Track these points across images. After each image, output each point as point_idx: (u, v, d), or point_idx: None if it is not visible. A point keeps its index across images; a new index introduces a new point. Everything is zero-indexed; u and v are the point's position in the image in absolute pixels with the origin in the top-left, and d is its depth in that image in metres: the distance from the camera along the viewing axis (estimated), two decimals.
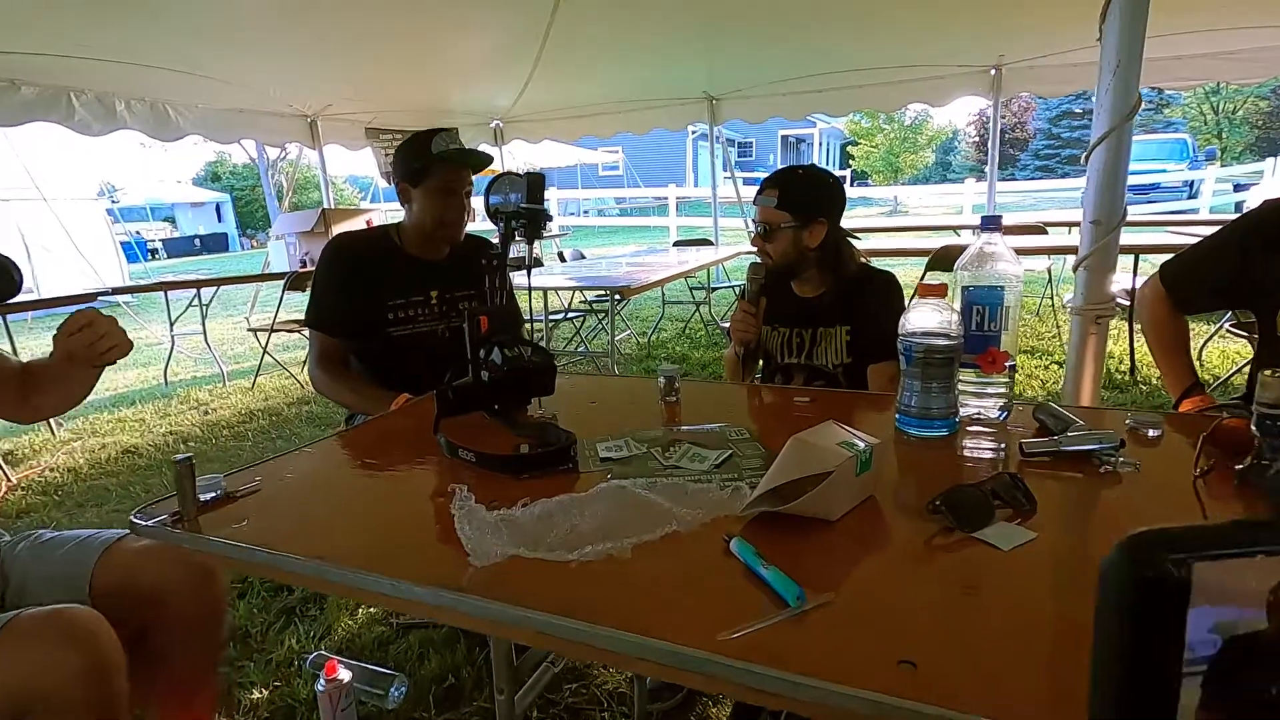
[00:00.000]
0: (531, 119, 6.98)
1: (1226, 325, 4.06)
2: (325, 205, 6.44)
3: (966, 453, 1.06)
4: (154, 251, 20.93)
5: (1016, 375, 1.23)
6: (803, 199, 1.66)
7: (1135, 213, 7.05)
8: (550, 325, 4.97)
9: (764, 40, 4.86)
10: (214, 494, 0.99)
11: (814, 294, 1.75)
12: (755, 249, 1.74)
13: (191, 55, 4.15)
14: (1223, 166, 15.67)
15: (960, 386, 1.11)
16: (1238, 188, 14.21)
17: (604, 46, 4.87)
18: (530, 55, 4.74)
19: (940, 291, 1.07)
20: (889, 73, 5.55)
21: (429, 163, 1.79)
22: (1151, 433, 1.05)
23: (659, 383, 1.38)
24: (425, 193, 1.82)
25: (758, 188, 1.72)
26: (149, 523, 0.91)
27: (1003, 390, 1.13)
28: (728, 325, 2.01)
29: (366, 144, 6.20)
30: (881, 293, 1.69)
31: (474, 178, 1.91)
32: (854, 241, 1.75)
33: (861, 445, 0.84)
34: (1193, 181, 14.50)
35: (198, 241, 23.43)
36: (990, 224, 1.12)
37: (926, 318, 1.08)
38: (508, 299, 1.65)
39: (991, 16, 4.41)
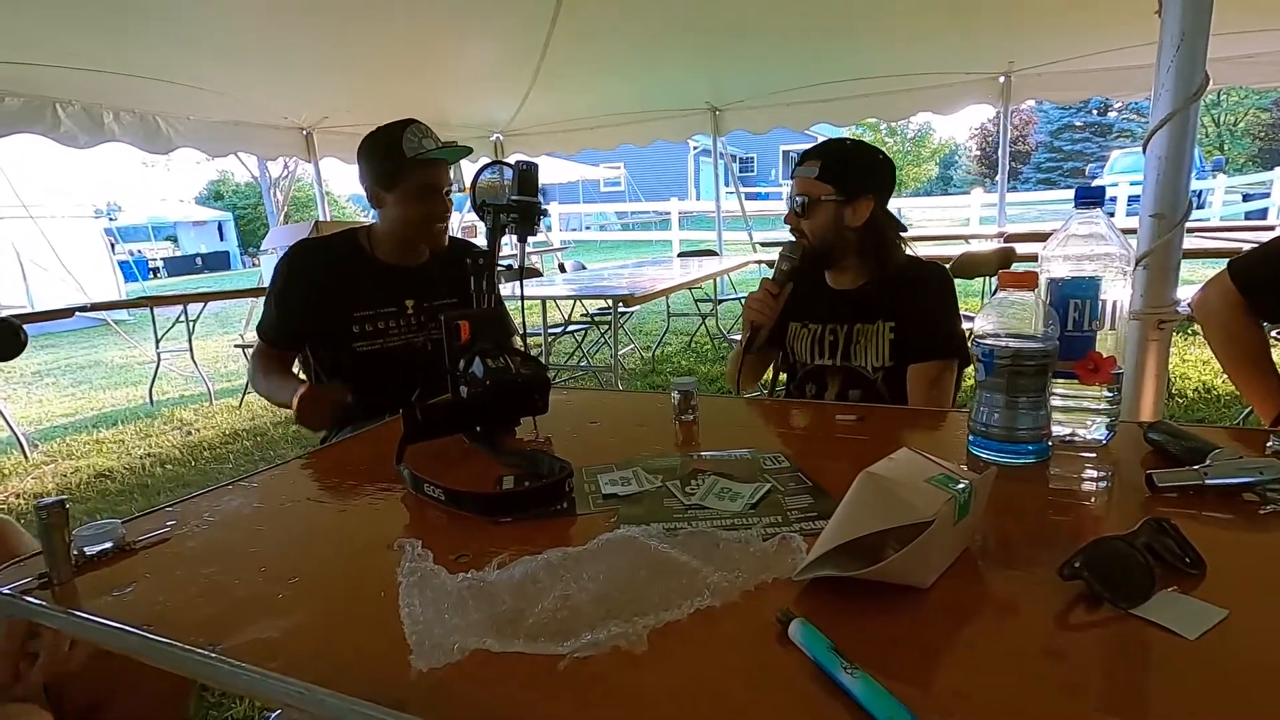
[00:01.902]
0: (532, 132, 6.84)
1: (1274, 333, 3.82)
2: (320, 218, 6.27)
3: (1066, 486, 0.84)
4: (155, 270, 20.89)
5: None
6: (848, 171, 1.44)
7: None
8: (550, 339, 4.75)
9: (767, 49, 4.71)
10: (106, 546, 0.77)
11: (851, 285, 1.52)
12: (789, 226, 1.50)
13: (184, 66, 4.00)
14: (1227, 177, 15.52)
15: (1052, 401, 0.89)
16: (1246, 198, 14.06)
17: (605, 57, 4.73)
18: (530, 66, 4.58)
19: (1029, 281, 0.85)
20: (895, 81, 5.41)
21: (402, 164, 1.57)
22: None
23: (673, 398, 1.16)
24: (402, 196, 1.60)
25: (797, 159, 1.51)
26: (4, 590, 0.69)
27: (1107, 405, 0.91)
28: (738, 336, 1.78)
29: None
30: (934, 287, 1.47)
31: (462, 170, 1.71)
32: (901, 230, 1.53)
33: (960, 483, 0.62)
34: (1201, 192, 14.35)
35: (199, 260, 23.34)
36: (1089, 197, 0.90)
37: (1009, 316, 0.86)
38: (495, 305, 1.45)
39: (1000, 22, 4.26)
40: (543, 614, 0.57)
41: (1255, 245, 1.38)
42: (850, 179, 1.44)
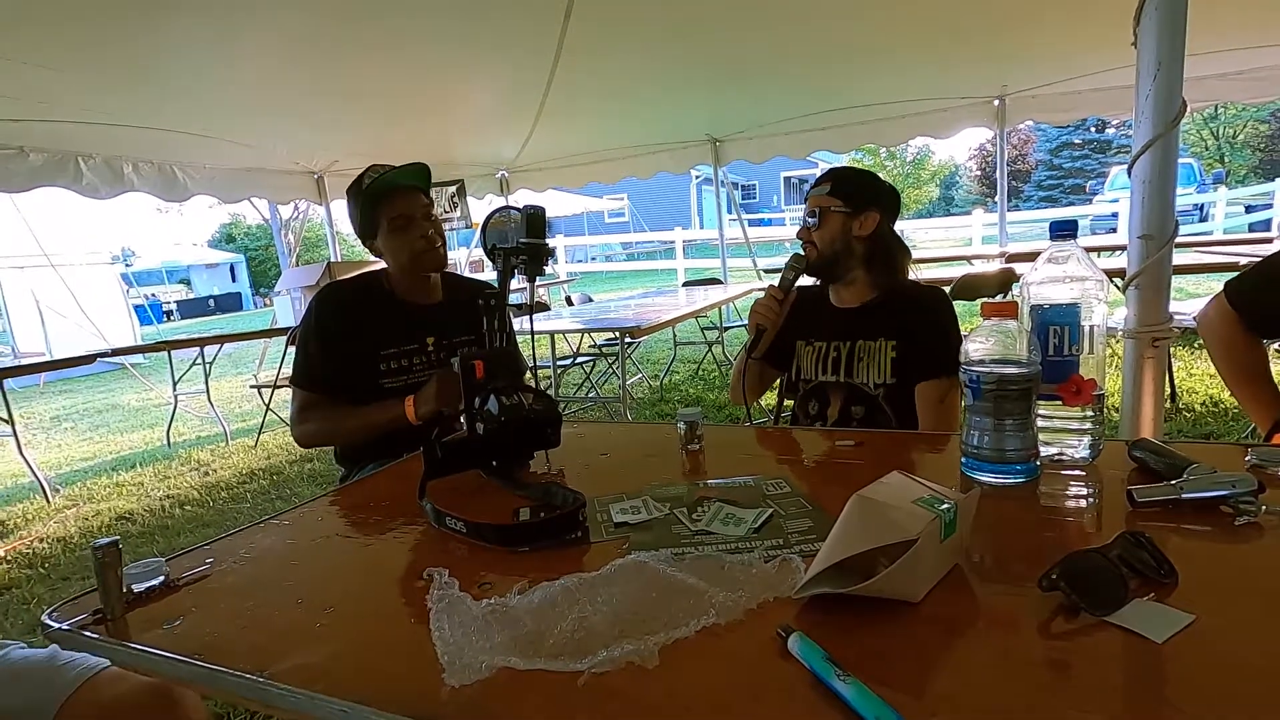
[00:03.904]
0: (536, 168, 7.00)
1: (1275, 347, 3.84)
2: (332, 258, 6.42)
3: (1053, 503, 0.89)
4: (169, 313, 21.25)
5: None
6: (856, 187, 1.58)
7: None
8: (559, 371, 4.82)
9: (765, 81, 4.85)
10: (153, 583, 0.82)
11: (855, 302, 1.61)
12: (801, 240, 1.62)
13: (200, 117, 4.17)
14: (1229, 189, 15.60)
15: (1039, 423, 0.94)
16: (1249, 209, 14.10)
17: (606, 94, 4.88)
18: (533, 105, 4.73)
19: (1009, 311, 0.91)
20: (891, 107, 5.54)
21: (368, 204, 1.66)
22: None
23: (679, 429, 1.21)
24: (385, 236, 1.68)
25: (811, 183, 1.64)
26: (63, 625, 0.74)
27: (1090, 425, 0.95)
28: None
29: None
30: (935, 308, 1.56)
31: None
32: (906, 253, 1.63)
33: (945, 504, 0.66)
34: (1203, 205, 14.42)
35: (212, 302, 23.75)
36: (1062, 230, 0.96)
37: (993, 343, 0.91)
38: (508, 342, 1.51)
39: (992, 48, 4.38)
40: (561, 634, 0.61)
41: (1250, 264, 1.44)
42: (858, 194, 1.57)
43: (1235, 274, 1.46)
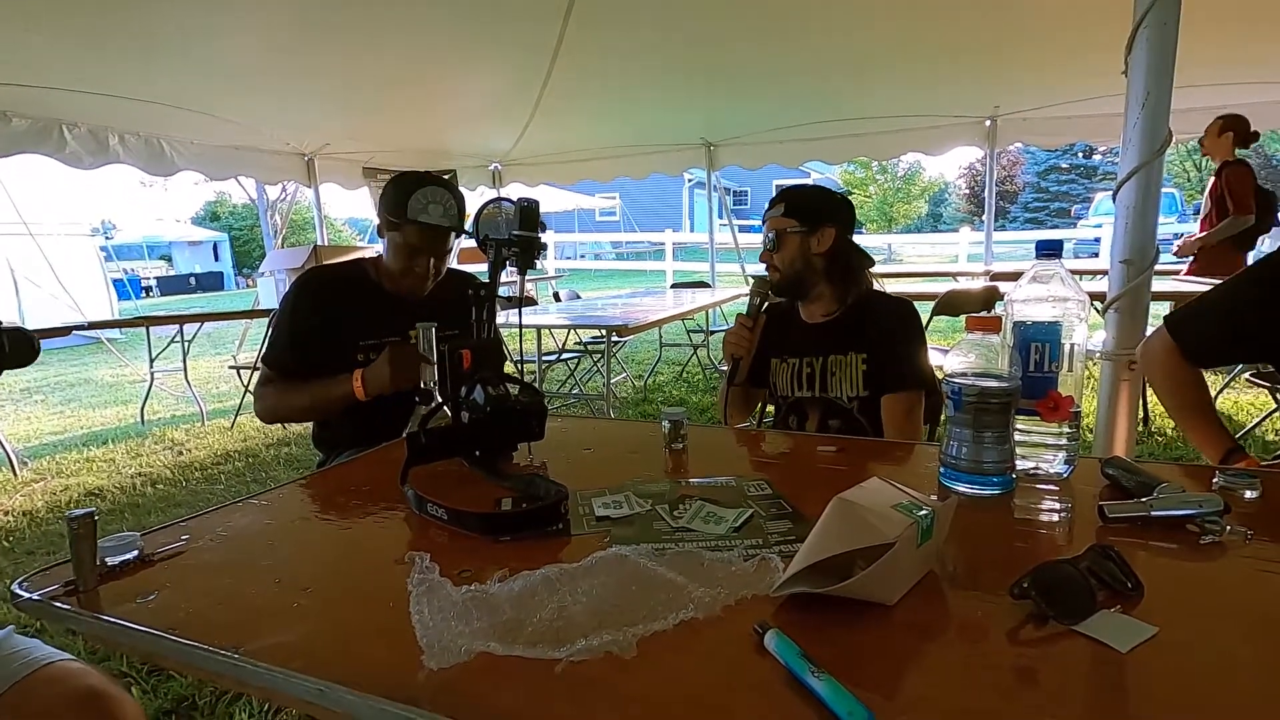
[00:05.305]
0: (530, 162, 6.98)
1: (1245, 375, 3.93)
2: (319, 242, 6.35)
3: (1027, 515, 0.90)
4: (148, 289, 20.88)
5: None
6: (810, 205, 1.60)
7: None
8: (544, 367, 4.81)
9: (762, 89, 4.88)
10: (127, 557, 0.81)
11: (824, 317, 1.63)
12: (764, 264, 1.65)
13: (190, 92, 4.10)
14: None
15: (1016, 436, 0.96)
16: None
17: (604, 93, 4.88)
18: (530, 99, 4.72)
19: (994, 325, 0.93)
20: (885, 122, 5.59)
21: (401, 220, 1.67)
22: (1248, 494, 0.89)
23: (663, 427, 1.22)
24: (395, 245, 1.70)
25: (767, 206, 1.64)
26: (34, 595, 0.73)
27: (1066, 442, 0.97)
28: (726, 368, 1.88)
29: (363, 183, 6.16)
30: (898, 319, 1.58)
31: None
32: (868, 261, 1.64)
33: (923, 510, 0.68)
34: (1182, 234, 14.72)
35: (193, 280, 23.36)
36: (1047, 250, 0.98)
37: (976, 356, 0.93)
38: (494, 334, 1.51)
39: (987, 69, 4.45)
40: (541, 623, 0.62)
41: (1193, 297, 1.45)
42: (811, 211, 1.58)
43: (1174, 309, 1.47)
